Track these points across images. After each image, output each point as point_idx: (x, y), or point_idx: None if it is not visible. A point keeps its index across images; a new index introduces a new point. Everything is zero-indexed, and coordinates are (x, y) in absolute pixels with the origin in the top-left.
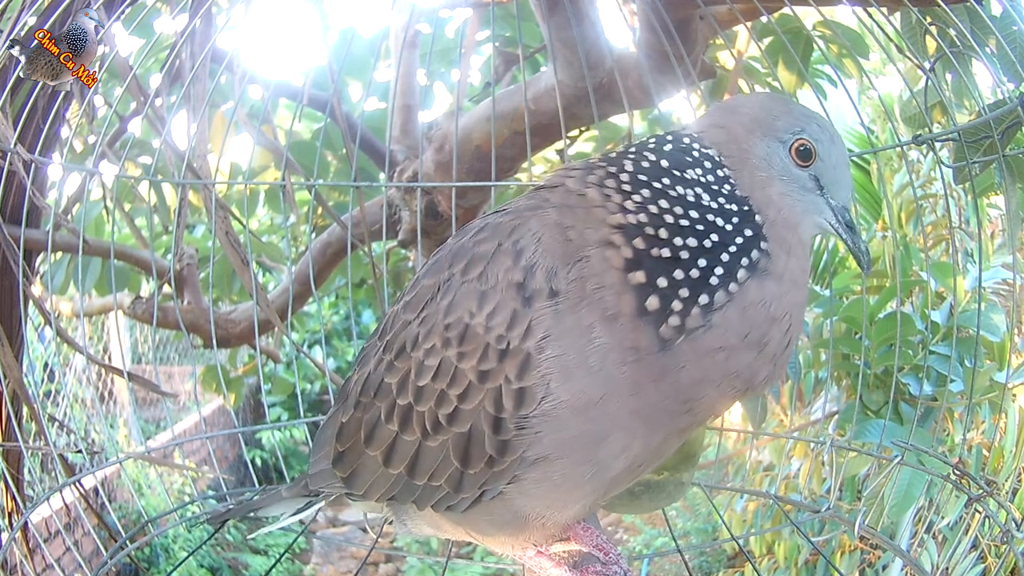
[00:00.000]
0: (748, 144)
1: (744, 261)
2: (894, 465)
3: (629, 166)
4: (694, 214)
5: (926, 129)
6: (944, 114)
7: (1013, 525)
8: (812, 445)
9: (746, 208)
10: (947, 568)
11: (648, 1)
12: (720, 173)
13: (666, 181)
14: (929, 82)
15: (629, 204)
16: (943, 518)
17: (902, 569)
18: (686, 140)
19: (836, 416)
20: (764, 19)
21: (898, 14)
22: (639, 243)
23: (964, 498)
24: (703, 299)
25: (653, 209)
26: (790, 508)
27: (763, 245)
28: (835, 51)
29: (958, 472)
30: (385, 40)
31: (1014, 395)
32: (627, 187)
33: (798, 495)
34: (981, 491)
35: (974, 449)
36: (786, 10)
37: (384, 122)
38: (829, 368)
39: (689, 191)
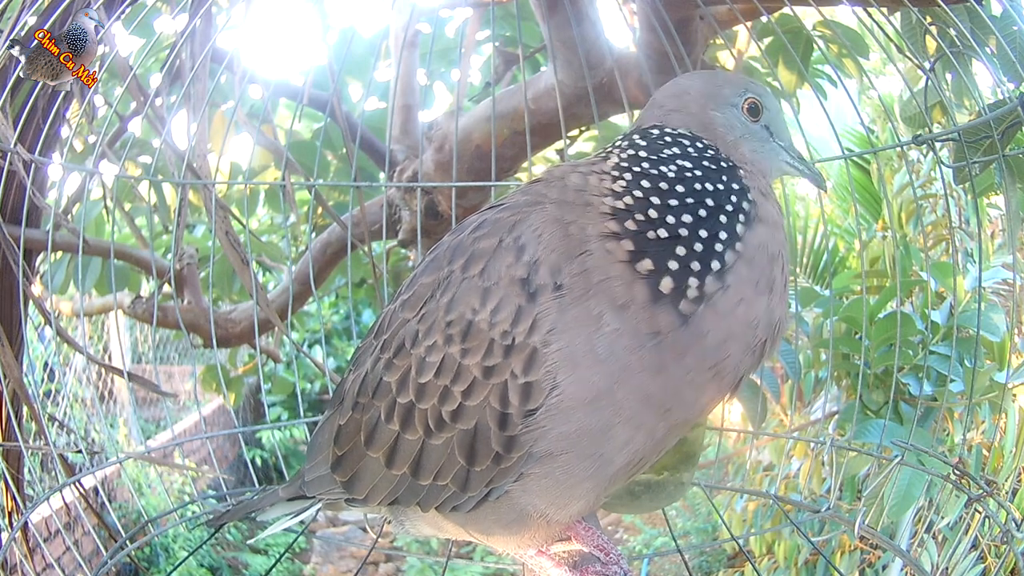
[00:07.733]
0: (707, 118)
1: (741, 217)
2: (894, 465)
3: (614, 160)
4: (680, 188)
5: (926, 129)
6: (944, 114)
7: (1013, 525)
8: (812, 445)
9: (730, 164)
10: (947, 568)
11: (648, 1)
12: (700, 144)
13: (645, 165)
14: (929, 82)
15: (617, 188)
16: (943, 518)
17: (902, 569)
18: (654, 131)
19: (836, 416)
20: (764, 19)
21: (898, 14)
22: (631, 225)
23: (964, 498)
24: (715, 265)
25: (638, 193)
26: (790, 508)
27: (750, 195)
28: (835, 51)
29: (958, 472)
30: (385, 40)
31: (1014, 395)
32: (617, 178)
33: (798, 495)
34: (981, 491)
35: (974, 449)
36: (786, 10)
37: (384, 122)
38: (829, 368)
39: (669, 168)
